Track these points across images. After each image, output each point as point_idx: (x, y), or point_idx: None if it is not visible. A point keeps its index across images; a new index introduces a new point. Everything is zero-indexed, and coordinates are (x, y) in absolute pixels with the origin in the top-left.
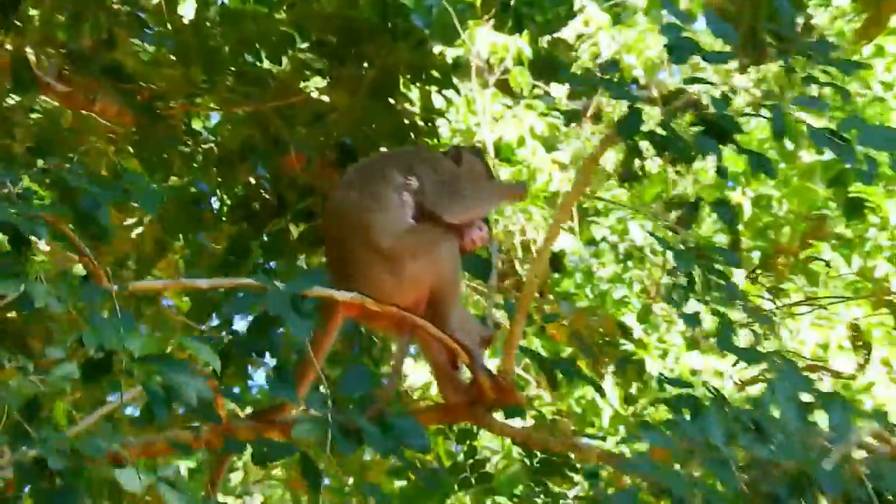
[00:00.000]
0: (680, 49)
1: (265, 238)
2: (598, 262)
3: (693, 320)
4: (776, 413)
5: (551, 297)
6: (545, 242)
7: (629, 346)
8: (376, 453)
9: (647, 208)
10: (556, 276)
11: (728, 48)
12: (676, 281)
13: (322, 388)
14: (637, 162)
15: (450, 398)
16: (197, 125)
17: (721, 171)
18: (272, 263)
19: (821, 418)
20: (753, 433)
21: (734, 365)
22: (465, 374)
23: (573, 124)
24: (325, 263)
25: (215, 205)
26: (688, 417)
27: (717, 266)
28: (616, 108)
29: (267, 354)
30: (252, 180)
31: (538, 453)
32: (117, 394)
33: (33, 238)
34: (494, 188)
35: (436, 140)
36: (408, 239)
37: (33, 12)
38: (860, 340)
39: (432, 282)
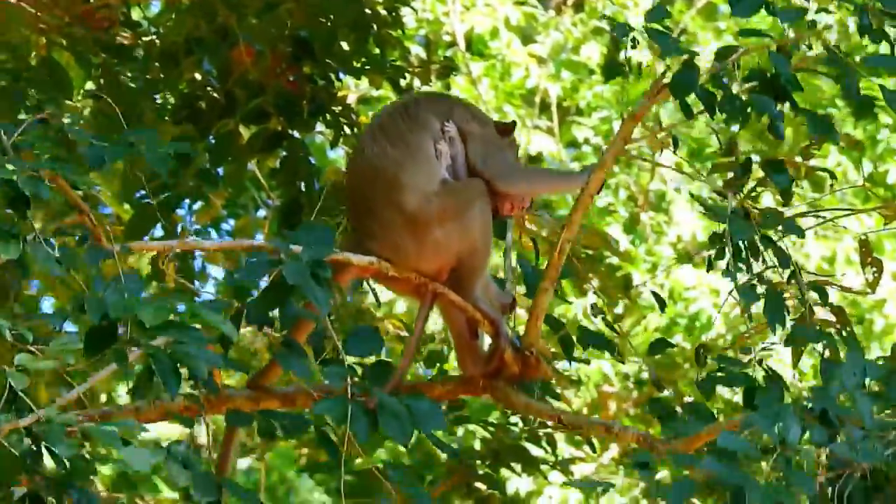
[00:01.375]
0: (745, 1)
1: (212, 140)
2: (579, 165)
3: (751, 295)
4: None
5: None
6: (576, 206)
7: (614, 260)
8: None
9: (696, 173)
10: None
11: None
12: (726, 248)
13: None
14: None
15: (469, 370)
16: (136, 15)
17: (776, 131)
18: (219, 169)
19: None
20: (822, 426)
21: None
22: (488, 345)
23: (552, 13)
24: (346, 212)
25: (157, 103)
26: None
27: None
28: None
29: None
30: (197, 76)
31: None
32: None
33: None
34: (559, 171)
35: (400, 31)
36: (437, 201)
37: None
38: (870, 256)
39: (459, 250)
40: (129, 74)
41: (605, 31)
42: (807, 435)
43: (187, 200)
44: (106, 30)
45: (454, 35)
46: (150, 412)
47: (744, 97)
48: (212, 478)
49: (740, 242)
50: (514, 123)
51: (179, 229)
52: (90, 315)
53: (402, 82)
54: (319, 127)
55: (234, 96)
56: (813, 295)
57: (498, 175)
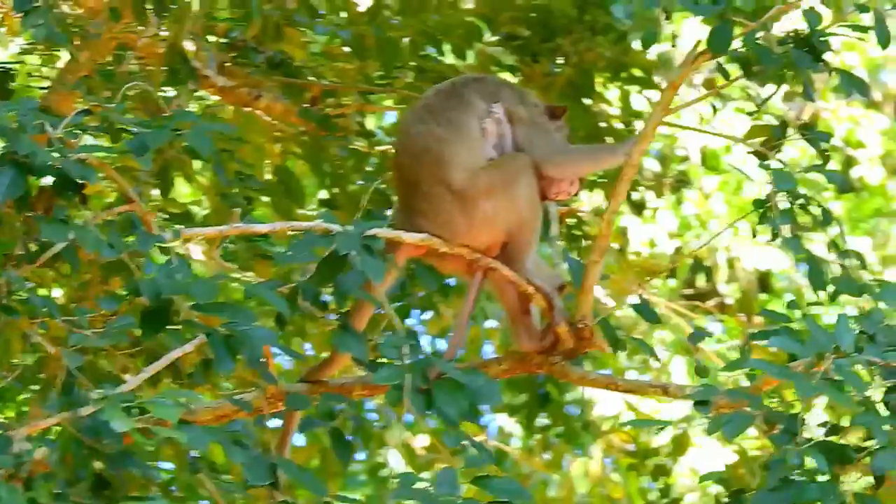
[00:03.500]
0: None
1: None
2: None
3: (797, 245)
4: None
5: (757, 319)
6: (620, 178)
7: None
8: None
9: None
10: (763, 297)
11: None
12: (772, 204)
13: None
14: (854, 174)
15: (523, 346)
16: (371, 124)
17: (808, 93)
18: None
19: None
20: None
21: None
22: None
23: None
24: (395, 194)
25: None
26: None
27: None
28: None
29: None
30: None
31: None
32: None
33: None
34: (601, 146)
35: None
36: (483, 176)
37: None
38: None
39: (508, 223)
40: (362, 183)
41: (839, 148)
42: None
43: (417, 311)
44: (341, 139)
45: (687, 149)
46: (205, 414)
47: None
48: (266, 459)
49: (784, 202)
50: (565, 107)
51: None
52: (145, 295)
53: (635, 196)
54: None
55: None
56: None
57: (545, 157)
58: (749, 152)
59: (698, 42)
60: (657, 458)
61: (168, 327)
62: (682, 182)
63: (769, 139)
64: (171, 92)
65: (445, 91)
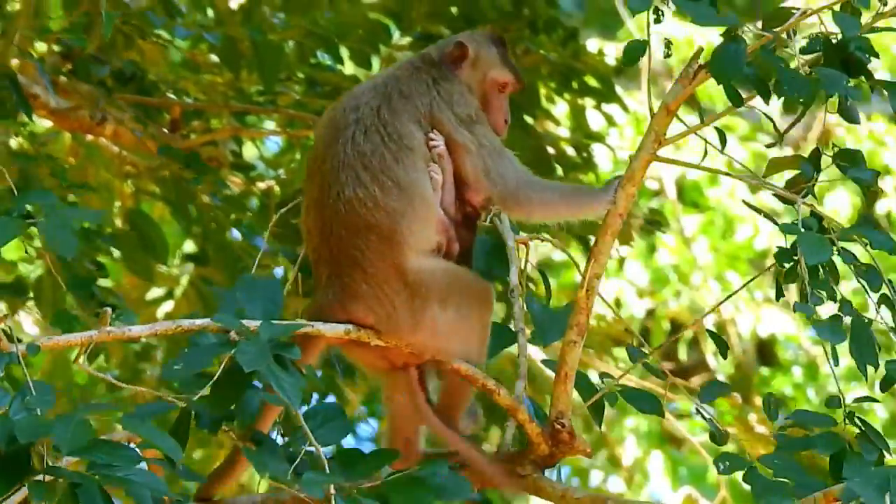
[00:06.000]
0: None
1: None
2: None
3: (834, 332)
4: None
5: (758, 401)
6: (603, 230)
7: None
8: None
9: (749, 172)
10: (765, 371)
11: None
12: (800, 274)
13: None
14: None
15: (477, 458)
16: (250, 154)
17: (849, 115)
18: None
19: None
20: None
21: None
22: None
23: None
24: (307, 251)
25: (277, 270)
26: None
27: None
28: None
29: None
30: None
31: None
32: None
33: None
34: (578, 187)
35: (592, 175)
36: (442, 276)
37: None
38: None
39: (452, 345)
40: (241, 230)
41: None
42: None
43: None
44: (212, 174)
45: (661, 180)
46: None
47: (806, 73)
48: None
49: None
50: (462, 45)
51: None
52: None
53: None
54: None
55: None
56: None
57: (506, 193)
58: (775, 195)
59: (698, 51)
60: None
61: (29, 478)
62: (654, 223)
63: (799, 178)
64: None
65: (377, 125)
